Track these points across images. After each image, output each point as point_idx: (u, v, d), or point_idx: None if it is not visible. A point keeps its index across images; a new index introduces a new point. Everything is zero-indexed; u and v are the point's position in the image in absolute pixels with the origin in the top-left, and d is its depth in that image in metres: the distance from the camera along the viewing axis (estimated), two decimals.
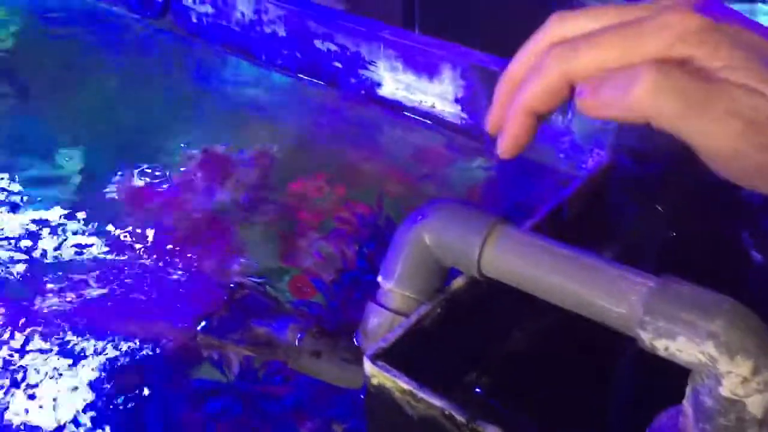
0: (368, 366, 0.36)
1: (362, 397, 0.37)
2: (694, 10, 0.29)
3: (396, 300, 0.42)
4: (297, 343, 0.42)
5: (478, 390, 0.40)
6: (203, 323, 0.46)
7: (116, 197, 0.66)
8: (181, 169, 0.69)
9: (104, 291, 0.55)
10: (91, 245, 0.61)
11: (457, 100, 0.66)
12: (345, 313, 0.52)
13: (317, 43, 0.73)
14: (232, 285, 0.51)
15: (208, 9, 0.82)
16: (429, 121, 0.69)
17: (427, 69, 0.66)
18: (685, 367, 0.34)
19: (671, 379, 0.35)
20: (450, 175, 0.68)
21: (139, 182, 0.68)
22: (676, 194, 0.53)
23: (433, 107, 0.68)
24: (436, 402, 0.35)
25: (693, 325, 0.33)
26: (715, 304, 0.33)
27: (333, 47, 0.72)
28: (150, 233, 0.62)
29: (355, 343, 0.42)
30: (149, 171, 0.69)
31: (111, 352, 0.49)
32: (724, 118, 0.29)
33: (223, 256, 0.59)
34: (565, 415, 0.41)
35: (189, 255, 0.59)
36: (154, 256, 0.59)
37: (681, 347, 0.33)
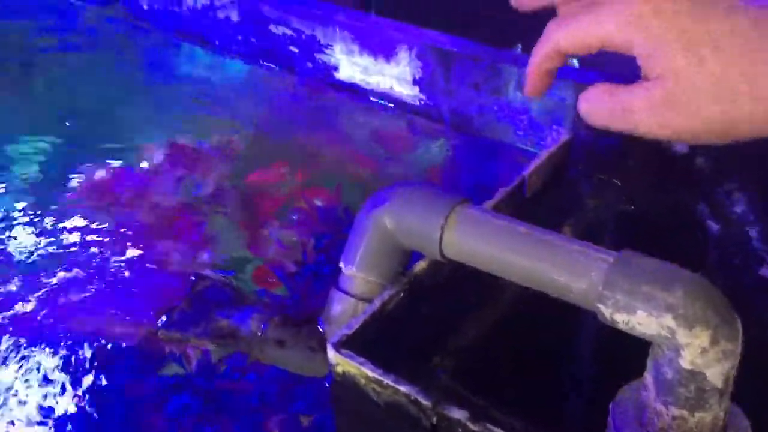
0: (332, 354, 0.36)
1: (327, 385, 0.37)
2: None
3: (359, 285, 0.41)
4: (260, 333, 0.41)
5: (442, 373, 0.40)
6: (164, 318, 0.45)
7: (78, 191, 0.65)
8: (144, 161, 0.68)
9: (65, 288, 0.54)
10: (52, 241, 0.60)
11: (414, 82, 0.66)
12: (307, 304, 0.51)
13: (272, 27, 0.72)
14: (192, 277, 0.50)
15: None
16: (388, 104, 0.69)
17: (384, 51, 0.66)
18: (645, 341, 0.34)
19: (634, 353, 0.36)
20: (410, 156, 0.68)
21: (101, 175, 0.67)
22: (633, 168, 0.54)
23: (391, 89, 0.67)
24: (402, 387, 0.35)
25: (652, 298, 0.33)
26: (673, 277, 0.33)
27: (288, 32, 0.71)
28: (113, 227, 0.61)
29: (320, 330, 0.42)
30: (111, 163, 0.68)
31: (72, 351, 0.48)
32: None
33: (188, 247, 0.59)
34: (530, 394, 0.42)
35: (153, 248, 0.58)
36: (117, 250, 0.58)
37: (640, 320, 0.33)
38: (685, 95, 0.36)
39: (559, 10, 0.45)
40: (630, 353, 0.36)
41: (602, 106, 0.39)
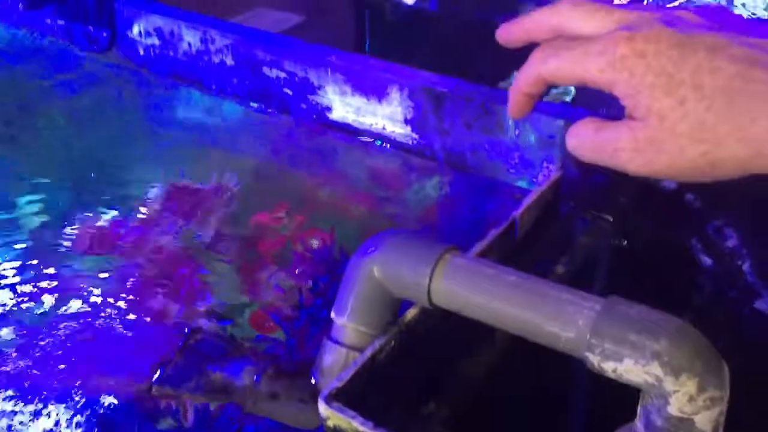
0: (323, 407, 0.36)
1: None
2: (625, 39, 0.37)
3: (350, 335, 0.42)
4: (253, 386, 0.41)
5: (436, 421, 0.40)
6: (158, 373, 0.46)
7: (75, 241, 0.65)
8: (144, 207, 0.68)
9: (60, 342, 0.54)
10: (48, 293, 0.60)
11: (406, 121, 0.66)
12: (304, 350, 0.51)
13: (266, 70, 0.73)
14: (186, 330, 0.51)
15: (154, 41, 0.81)
16: (382, 143, 0.69)
17: (375, 91, 0.67)
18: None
19: (632, 396, 0.36)
20: (407, 196, 0.68)
21: (99, 223, 0.67)
22: (625, 203, 0.54)
23: (384, 129, 0.68)
24: None
25: (638, 346, 0.33)
26: (659, 325, 0.33)
27: (282, 74, 0.72)
28: (112, 278, 0.61)
29: (312, 381, 0.42)
30: (110, 211, 0.68)
31: (69, 409, 0.48)
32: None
33: (187, 296, 0.59)
34: None
35: (152, 298, 0.59)
36: (115, 302, 0.59)
37: (628, 368, 0.33)
38: (668, 136, 0.36)
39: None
40: (628, 396, 0.36)
41: (589, 142, 0.39)
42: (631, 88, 0.36)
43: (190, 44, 0.78)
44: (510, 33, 0.44)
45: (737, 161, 0.35)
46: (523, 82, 0.42)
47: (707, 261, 0.52)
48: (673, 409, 0.33)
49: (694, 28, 0.37)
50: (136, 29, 0.82)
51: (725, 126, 0.35)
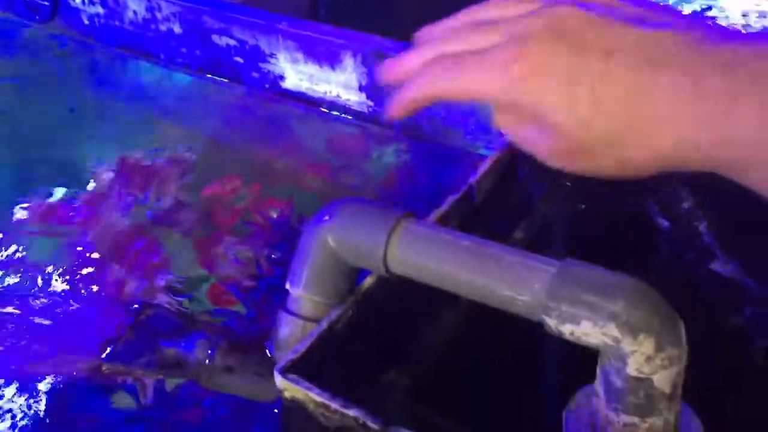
0: (279, 379, 0.36)
1: (276, 411, 0.36)
2: (516, 61, 0.35)
3: (306, 306, 0.41)
4: (207, 361, 0.41)
5: (396, 390, 0.40)
6: (108, 350, 0.44)
7: (24, 218, 0.63)
8: (95, 181, 0.66)
9: (14, 323, 0.52)
10: None
11: (361, 88, 0.65)
12: (263, 321, 0.50)
13: (215, 38, 0.71)
14: (137, 306, 0.49)
15: (98, 9, 0.78)
16: (337, 112, 0.68)
17: (329, 58, 0.65)
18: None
19: (591, 356, 0.35)
20: (366, 164, 0.67)
21: (49, 199, 0.65)
22: None
23: (339, 97, 0.67)
24: (350, 411, 0.34)
25: (595, 307, 0.33)
26: (615, 285, 0.33)
27: (232, 42, 0.70)
28: (63, 255, 0.59)
29: (268, 354, 0.41)
30: (60, 186, 0.66)
31: (22, 389, 0.46)
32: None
33: (143, 271, 0.57)
34: (487, 404, 0.41)
35: (106, 275, 0.57)
36: (66, 281, 0.57)
37: (585, 330, 0.33)
38: (577, 147, 0.36)
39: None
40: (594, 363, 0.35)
41: (519, 137, 0.40)
42: (533, 106, 0.36)
43: (135, 12, 0.75)
44: (389, 74, 0.42)
45: (648, 162, 0.36)
46: (412, 93, 0.39)
47: (664, 223, 0.52)
48: (631, 369, 0.33)
49: (585, 29, 0.35)
50: None
51: (629, 135, 0.34)
